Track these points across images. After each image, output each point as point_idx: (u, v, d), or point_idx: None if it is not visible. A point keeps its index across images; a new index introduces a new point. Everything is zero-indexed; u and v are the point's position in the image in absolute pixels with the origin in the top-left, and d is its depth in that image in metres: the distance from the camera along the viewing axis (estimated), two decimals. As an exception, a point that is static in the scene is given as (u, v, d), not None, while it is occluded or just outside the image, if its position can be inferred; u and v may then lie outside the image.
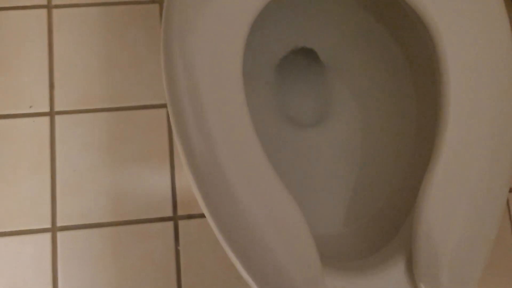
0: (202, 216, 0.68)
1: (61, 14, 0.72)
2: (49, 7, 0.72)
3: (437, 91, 0.42)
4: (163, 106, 0.70)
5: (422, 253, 0.39)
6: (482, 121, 0.40)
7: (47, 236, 0.66)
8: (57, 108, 0.69)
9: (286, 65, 0.57)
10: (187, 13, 0.40)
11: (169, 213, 0.68)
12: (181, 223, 0.68)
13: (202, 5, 0.40)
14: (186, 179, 0.69)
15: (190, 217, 0.68)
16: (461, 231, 0.39)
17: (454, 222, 0.39)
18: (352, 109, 0.55)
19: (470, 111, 0.40)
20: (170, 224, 0.68)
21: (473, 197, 0.39)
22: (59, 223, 0.67)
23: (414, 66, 0.52)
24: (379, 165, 0.53)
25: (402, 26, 0.51)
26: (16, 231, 0.66)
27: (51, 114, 0.69)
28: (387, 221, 0.48)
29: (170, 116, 0.40)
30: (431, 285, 0.38)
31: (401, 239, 0.42)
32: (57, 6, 0.72)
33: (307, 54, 0.56)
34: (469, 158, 0.40)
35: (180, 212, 0.68)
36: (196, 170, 0.39)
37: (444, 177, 0.40)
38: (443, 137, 0.40)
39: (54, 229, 0.66)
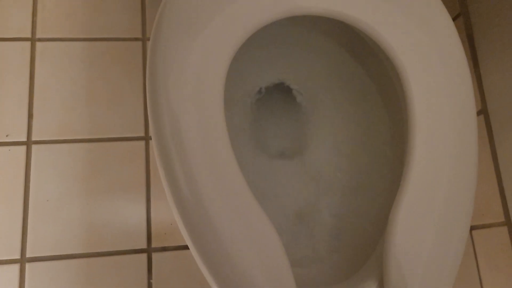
0: (176, 248, 0.68)
1: (44, 47, 0.74)
2: (32, 39, 0.74)
3: (405, 126, 0.45)
4: (142, 138, 0.72)
5: (392, 278, 0.40)
6: (446, 152, 0.43)
7: (15, 267, 0.65)
8: (34, 137, 0.70)
9: (264, 99, 0.59)
10: (171, 51, 0.42)
11: (143, 245, 0.68)
12: (154, 255, 0.67)
13: (185, 43, 0.42)
14: (161, 212, 0.69)
15: (164, 249, 0.68)
16: (428, 257, 0.41)
17: (421, 249, 0.41)
18: (327, 142, 0.58)
19: (434, 143, 0.43)
20: (144, 256, 0.67)
21: (438, 224, 0.42)
22: (28, 254, 0.65)
23: (387, 100, 0.55)
24: (352, 197, 0.55)
25: (373, 62, 0.55)
26: (-17, 261, 0.64)
27: (28, 143, 0.69)
28: (359, 248, 0.50)
29: (154, 149, 0.42)
30: (402, 308, 0.39)
31: (372, 264, 0.44)
32: (40, 39, 0.74)
33: (284, 89, 0.60)
34: (434, 187, 0.43)
35: (154, 244, 0.68)
36: (180, 202, 0.40)
37: (411, 206, 0.42)
38: (410, 169, 0.43)
39: (22, 260, 0.65)
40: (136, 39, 0.76)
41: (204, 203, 0.39)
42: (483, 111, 0.72)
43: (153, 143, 0.41)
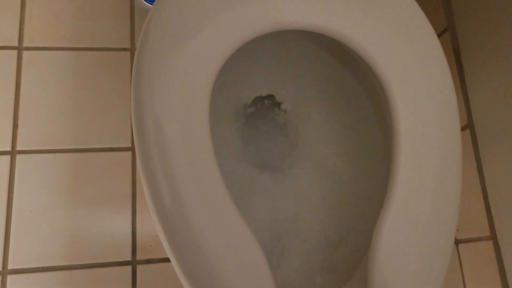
0: (161, 261, 0.67)
1: (31, 55, 0.73)
2: (19, 48, 0.73)
3: (390, 139, 0.46)
4: (128, 149, 0.71)
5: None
6: (431, 167, 0.43)
7: (-4, 279, 0.63)
8: (19, 147, 0.69)
9: (252, 111, 0.59)
10: (156, 63, 0.42)
11: (127, 257, 0.67)
12: (139, 267, 0.66)
13: (171, 55, 0.42)
14: (147, 223, 0.68)
15: (149, 261, 0.67)
16: (412, 272, 0.41)
17: (406, 264, 0.41)
18: (316, 156, 0.58)
19: (419, 158, 0.43)
20: (128, 269, 0.66)
21: (423, 239, 0.42)
22: (10, 266, 0.64)
23: (378, 113, 0.55)
24: (341, 213, 0.55)
25: (362, 74, 0.55)
26: (-37, 273, 0.63)
27: (12, 153, 0.68)
28: (344, 264, 0.49)
29: (137, 160, 0.41)
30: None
31: (356, 282, 0.43)
32: (27, 48, 0.74)
33: (273, 101, 0.59)
34: (419, 202, 0.43)
35: (139, 256, 0.67)
36: (161, 212, 0.39)
37: (395, 222, 0.42)
38: (395, 184, 0.43)
39: (4, 273, 0.64)
40: (124, 49, 0.76)
41: (186, 216, 0.39)
42: (469, 126, 0.72)
43: (136, 153, 0.41)
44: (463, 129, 0.73)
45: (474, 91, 0.72)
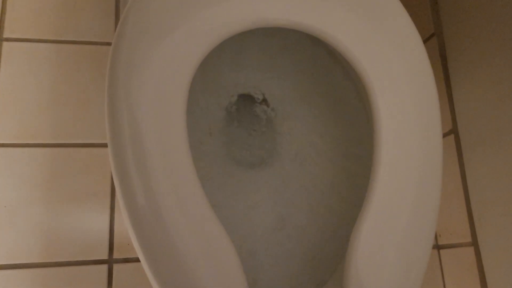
0: (138, 260, 0.66)
1: (11, 47, 0.71)
2: (-1, 39, 0.72)
3: (372, 144, 0.45)
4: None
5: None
6: (411, 172, 0.43)
7: (-33, 276, 0.61)
8: (-5, 140, 0.67)
9: (236, 107, 0.58)
10: (133, 57, 0.41)
11: (104, 255, 0.65)
12: (116, 266, 0.65)
13: (149, 49, 0.41)
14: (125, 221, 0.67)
15: (126, 260, 0.66)
16: (390, 276, 0.40)
17: (383, 268, 0.41)
18: (297, 152, 0.57)
19: (399, 163, 0.43)
20: (104, 268, 0.65)
21: (400, 244, 0.41)
22: (-18, 262, 0.62)
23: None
24: (322, 212, 0.54)
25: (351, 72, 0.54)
26: None
27: (-12, 146, 0.67)
28: (321, 266, 0.49)
29: (110, 157, 0.40)
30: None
31: (332, 284, 0.43)
32: (8, 39, 0.72)
33: (258, 98, 0.59)
34: (397, 207, 0.42)
35: (116, 255, 0.66)
36: (133, 209, 0.38)
37: (374, 225, 0.41)
38: (374, 187, 0.42)
39: (-25, 269, 0.62)
40: (107, 43, 0.75)
41: (160, 215, 0.38)
42: (453, 131, 0.72)
43: (109, 149, 0.40)
44: (447, 134, 0.73)
45: (459, 96, 0.72)
